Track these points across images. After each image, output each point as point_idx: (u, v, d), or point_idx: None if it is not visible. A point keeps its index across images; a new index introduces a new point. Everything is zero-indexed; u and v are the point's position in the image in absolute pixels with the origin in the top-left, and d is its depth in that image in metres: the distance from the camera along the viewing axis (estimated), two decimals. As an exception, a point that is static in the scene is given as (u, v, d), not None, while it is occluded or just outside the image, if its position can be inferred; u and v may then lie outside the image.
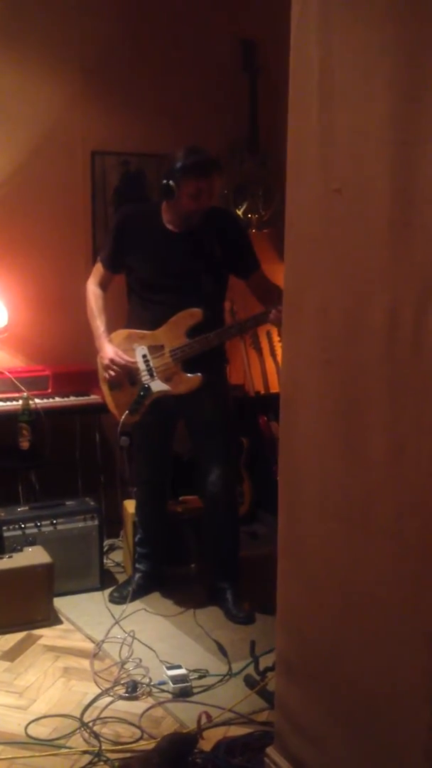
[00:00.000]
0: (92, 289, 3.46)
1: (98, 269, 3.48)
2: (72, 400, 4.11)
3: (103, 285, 3.47)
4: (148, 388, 3.30)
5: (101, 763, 2.45)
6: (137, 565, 3.63)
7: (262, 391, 4.69)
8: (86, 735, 2.59)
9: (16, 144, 4.22)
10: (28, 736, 2.58)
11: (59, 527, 3.61)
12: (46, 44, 4.21)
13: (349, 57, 1.79)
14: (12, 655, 3.10)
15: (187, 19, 4.49)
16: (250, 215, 4.66)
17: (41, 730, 2.62)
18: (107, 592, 3.59)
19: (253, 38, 4.58)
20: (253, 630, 3.24)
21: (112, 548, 4.10)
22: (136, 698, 2.79)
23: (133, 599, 3.46)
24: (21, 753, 2.50)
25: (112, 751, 2.50)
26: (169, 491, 3.71)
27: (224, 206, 4.34)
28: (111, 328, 3.42)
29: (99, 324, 3.41)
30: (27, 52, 4.18)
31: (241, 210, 4.62)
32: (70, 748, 2.53)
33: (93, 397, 4.09)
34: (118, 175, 4.46)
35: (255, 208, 4.66)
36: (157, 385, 3.29)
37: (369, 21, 1.73)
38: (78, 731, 2.61)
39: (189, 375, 3.26)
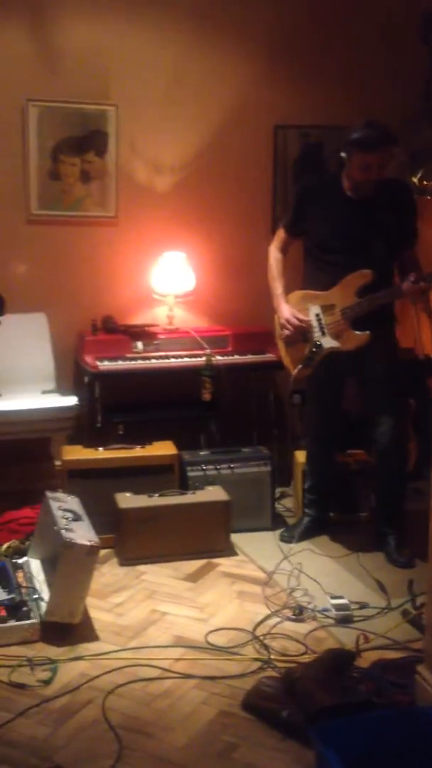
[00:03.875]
0: (273, 254, 3.78)
1: (279, 234, 3.79)
2: (249, 357, 4.46)
3: (284, 249, 3.77)
4: (320, 345, 3.57)
5: (269, 669, 2.81)
6: (306, 510, 3.94)
7: (432, 354, 4.82)
8: (257, 646, 2.95)
9: (206, 121, 4.59)
10: (207, 642, 2.99)
11: (236, 471, 4.00)
12: (234, 25, 4.53)
13: None
14: (195, 577, 3.52)
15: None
16: (425, 182, 4.77)
17: (218, 639, 3.01)
18: (278, 532, 3.94)
19: (433, 10, 4.67)
20: (412, 573, 3.47)
21: (282, 496, 4.43)
22: (301, 620, 3.12)
23: (300, 540, 3.79)
24: (202, 656, 2.91)
25: (280, 661, 2.85)
26: (337, 443, 3.98)
27: (400, 175, 4.49)
28: (288, 290, 3.73)
29: (278, 285, 3.73)
30: (217, 34, 4.52)
31: (417, 177, 4.73)
32: (243, 655, 2.90)
33: (268, 356, 4.42)
34: (297, 148, 4.73)
35: (430, 176, 4.77)
36: (328, 342, 3.56)
37: None
38: (250, 642, 2.98)
39: (358, 332, 3.50)
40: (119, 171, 4.46)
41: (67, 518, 3.21)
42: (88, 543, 3.02)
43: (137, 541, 3.64)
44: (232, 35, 4.54)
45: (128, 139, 4.45)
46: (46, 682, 2.72)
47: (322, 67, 4.68)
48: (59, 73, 4.28)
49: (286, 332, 3.66)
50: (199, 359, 4.35)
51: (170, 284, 4.51)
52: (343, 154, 3.39)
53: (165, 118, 4.51)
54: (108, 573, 3.55)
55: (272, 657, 2.87)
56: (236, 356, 4.45)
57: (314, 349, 3.59)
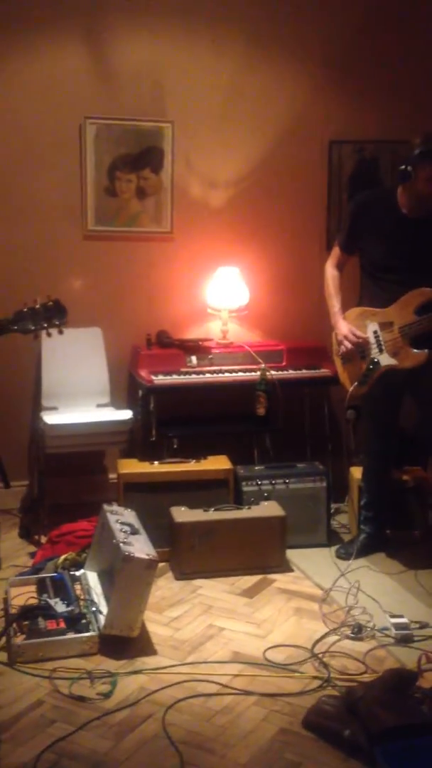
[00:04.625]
0: (330, 271, 3.77)
1: (335, 252, 3.78)
2: (304, 372, 4.45)
3: (339, 267, 3.76)
4: (377, 362, 3.55)
5: (329, 687, 2.78)
6: (362, 527, 3.91)
7: None
8: (316, 664, 2.93)
9: (261, 136, 4.61)
10: (265, 659, 2.97)
11: (291, 486, 3.98)
12: (289, 40, 4.56)
13: None
14: (250, 593, 3.51)
15: (421, 7, 4.65)
16: None
17: (277, 656, 2.99)
18: (334, 548, 3.91)
19: None
20: (473, 593, 3.42)
21: (337, 512, 4.40)
22: (360, 639, 3.09)
23: (357, 557, 3.76)
24: (260, 672, 2.89)
25: (339, 679, 2.82)
26: (394, 460, 3.95)
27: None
28: (345, 306, 3.71)
29: (335, 303, 3.71)
30: (272, 49, 4.55)
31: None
32: (302, 673, 2.88)
33: (323, 371, 4.41)
34: (352, 163, 4.72)
35: None
36: (386, 359, 3.54)
37: None
38: (309, 660, 2.95)
39: (415, 351, 3.47)
40: (174, 187, 4.50)
41: (125, 531, 3.23)
42: (147, 557, 3.03)
43: (193, 555, 3.64)
44: (287, 50, 4.57)
45: (183, 155, 4.49)
46: (106, 696, 2.73)
47: (378, 82, 4.68)
48: (116, 91, 4.35)
49: (344, 348, 3.64)
50: (253, 374, 4.35)
51: (224, 299, 4.53)
52: (407, 168, 3.37)
53: (220, 133, 4.55)
54: (164, 587, 3.56)
55: (332, 675, 2.84)
56: (290, 371, 4.45)
57: (371, 366, 3.56)
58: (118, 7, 4.28)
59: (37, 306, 2.18)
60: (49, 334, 2.21)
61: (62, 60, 4.25)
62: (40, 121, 4.27)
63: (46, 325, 2.20)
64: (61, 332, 2.23)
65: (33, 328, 2.18)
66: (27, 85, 4.22)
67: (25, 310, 2.17)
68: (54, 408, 4.32)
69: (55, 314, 2.18)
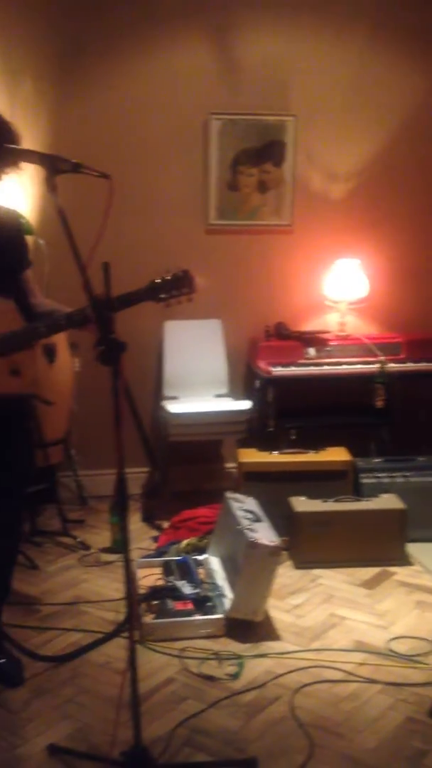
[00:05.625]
0: None
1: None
2: (423, 365, 4.41)
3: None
4: None
5: (456, 680, 2.79)
6: None
7: None
8: (440, 657, 2.94)
9: (383, 128, 4.60)
10: (389, 650, 2.99)
11: (411, 479, 3.97)
12: (411, 32, 4.52)
13: None
14: (371, 584, 3.54)
15: None
16: None
17: (400, 647, 3.01)
18: (455, 543, 3.88)
19: None
20: None
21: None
22: None
23: None
24: (384, 662, 2.92)
25: (466, 673, 2.83)
26: None
27: None
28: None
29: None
30: (395, 42, 4.52)
31: None
32: (426, 664, 2.89)
33: (443, 364, 4.37)
34: None
35: None
36: None
37: None
38: (432, 652, 2.97)
39: None
40: (295, 180, 4.54)
41: (248, 519, 3.30)
42: (272, 543, 3.10)
43: (312, 545, 3.69)
44: (409, 43, 4.52)
45: (305, 148, 4.52)
46: (234, 676, 2.82)
47: None
48: (240, 87, 4.42)
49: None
50: (371, 366, 4.35)
51: (343, 291, 4.54)
52: None
53: (341, 126, 4.56)
54: (283, 575, 3.61)
55: (458, 668, 2.85)
56: (409, 363, 4.42)
57: None
58: (244, 3, 4.33)
59: (169, 277, 2.36)
60: (179, 302, 2.39)
61: (187, 57, 4.34)
62: (165, 118, 4.38)
63: (175, 293, 2.38)
64: (190, 300, 2.40)
65: (163, 296, 2.37)
66: (152, 82, 4.34)
67: (158, 281, 2.36)
68: (174, 397, 4.44)
69: (185, 284, 2.36)
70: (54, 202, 2.14)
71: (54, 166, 2.19)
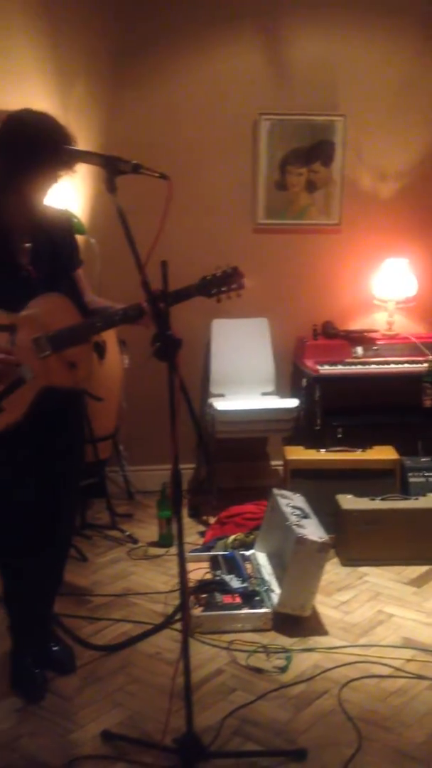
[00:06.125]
0: None
1: None
2: (472, 365, 4.40)
3: None
4: None
5: None
6: None
7: None
8: None
9: (422, 132, 4.57)
10: (438, 647, 3.01)
11: (459, 479, 3.97)
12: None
13: None
14: (418, 582, 3.55)
15: None
16: None
17: (448, 645, 3.02)
18: None
19: None
20: None
21: None
22: None
23: None
24: None
25: None
26: None
27: None
28: None
29: None
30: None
31: None
32: None
33: None
34: None
35: None
36: None
37: None
38: None
39: None
40: (344, 179, 4.55)
41: (296, 515, 3.33)
42: (320, 539, 3.13)
43: (359, 542, 3.70)
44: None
45: (354, 147, 4.53)
46: (282, 669, 2.86)
47: None
48: (290, 87, 4.44)
49: None
50: (419, 365, 4.35)
51: (392, 290, 4.54)
52: None
53: (391, 125, 4.56)
54: (330, 571, 3.63)
55: None
56: (457, 363, 4.41)
57: None
58: (294, 3, 4.36)
59: (219, 273, 2.44)
60: (228, 297, 2.47)
61: (238, 58, 4.38)
62: (215, 118, 4.43)
63: (225, 289, 2.46)
64: (239, 295, 2.48)
65: (214, 292, 2.46)
66: (203, 83, 4.38)
67: (209, 277, 2.44)
68: (221, 395, 4.49)
69: (234, 279, 2.44)
70: (114, 202, 2.19)
71: (114, 167, 2.23)
